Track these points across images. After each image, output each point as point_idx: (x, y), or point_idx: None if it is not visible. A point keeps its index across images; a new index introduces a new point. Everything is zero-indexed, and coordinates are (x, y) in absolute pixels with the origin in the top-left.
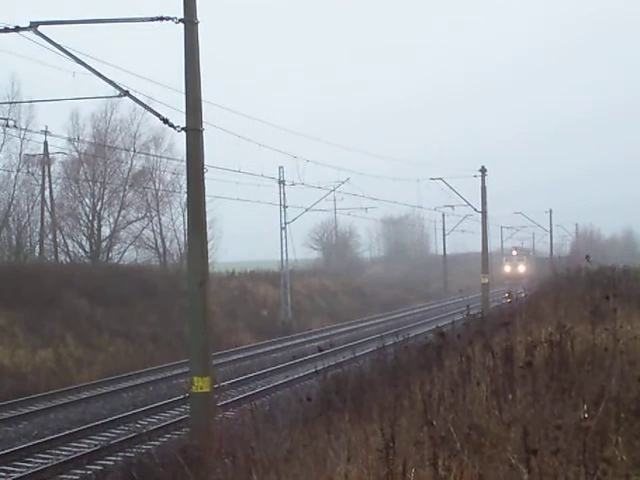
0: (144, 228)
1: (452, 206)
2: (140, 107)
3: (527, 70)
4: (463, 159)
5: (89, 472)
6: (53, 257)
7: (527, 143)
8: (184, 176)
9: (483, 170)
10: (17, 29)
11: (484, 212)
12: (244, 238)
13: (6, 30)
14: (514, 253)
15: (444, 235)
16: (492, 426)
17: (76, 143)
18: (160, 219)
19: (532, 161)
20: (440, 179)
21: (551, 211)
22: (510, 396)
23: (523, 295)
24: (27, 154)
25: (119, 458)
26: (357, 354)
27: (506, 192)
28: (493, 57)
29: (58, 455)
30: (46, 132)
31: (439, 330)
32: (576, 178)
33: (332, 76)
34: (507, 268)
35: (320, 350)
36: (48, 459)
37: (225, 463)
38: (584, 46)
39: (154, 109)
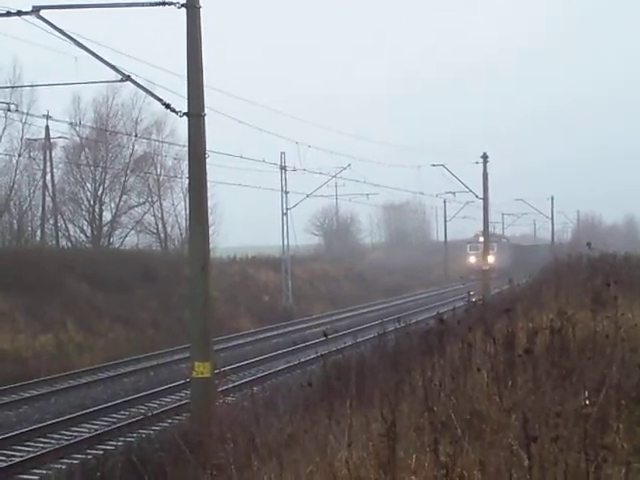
0: (145, 213)
1: (453, 193)
2: (142, 92)
3: (527, 55)
4: (464, 145)
5: (89, 457)
6: (54, 242)
7: (528, 129)
8: (186, 161)
9: (485, 157)
10: (19, 13)
11: (485, 199)
12: (245, 224)
13: (8, 14)
14: (481, 240)
15: (445, 222)
16: (493, 412)
17: (78, 128)
18: (161, 204)
19: (534, 147)
20: (442, 165)
21: (552, 198)
22: (511, 383)
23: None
24: (29, 138)
25: (120, 443)
26: (358, 340)
27: (508, 179)
28: (494, 42)
29: (59, 439)
30: (48, 116)
31: (440, 316)
32: (578, 165)
33: (335, 62)
34: (472, 259)
35: (325, 336)
36: (49, 443)
37: (226, 448)
38: (585, 32)
39: (156, 94)
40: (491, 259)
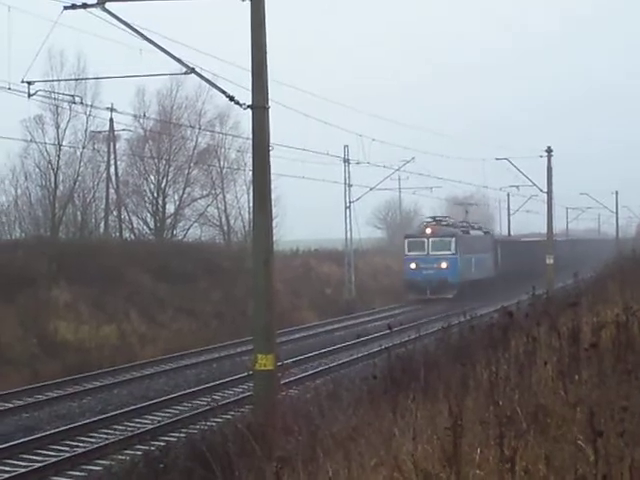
0: (208, 205)
1: (517, 186)
2: (205, 84)
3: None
4: (528, 135)
5: (152, 448)
6: (118, 234)
7: (587, 116)
8: (249, 154)
9: (549, 150)
10: (84, 6)
11: (549, 192)
12: (308, 216)
13: (74, 7)
14: (428, 232)
15: (509, 215)
16: (558, 407)
17: (141, 120)
18: (225, 197)
19: (596, 136)
20: (505, 159)
21: (617, 192)
22: (576, 377)
23: None
24: (93, 131)
25: (182, 434)
26: (422, 333)
27: (573, 171)
28: (539, 24)
29: (122, 431)
30: (112, 109)
31: (506, 310)
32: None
33: (400, 49)
34: (413, 265)
35: (390, 329)
36: (112, 434)
37: (290, 440)
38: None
39: (220, 86)
40: (444, 265)
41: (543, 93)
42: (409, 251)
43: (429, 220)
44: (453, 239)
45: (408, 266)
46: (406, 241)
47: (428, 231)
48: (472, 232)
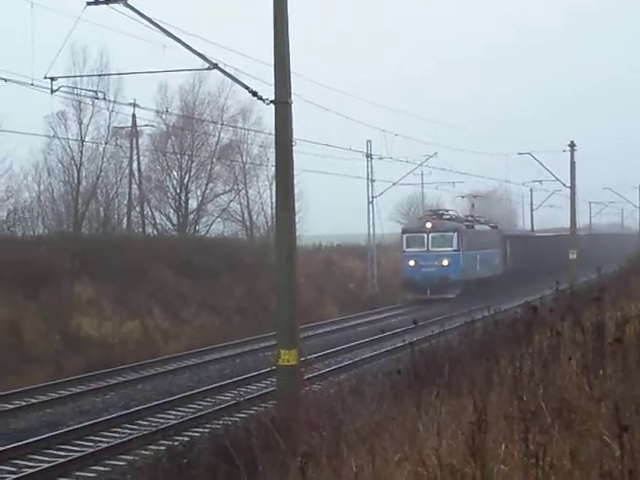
0: (231, 201)
1: (540, 181)
2: (228, 80)
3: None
4: (536, 130)
5: (176, 443)
6: (140, 229)
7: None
8: (271, 149)
9: (572, 145)
10: (107, 1)
11: (573, 187)
12: (331, 211)
13: (96, 3)
14: (428, 226)
15: (532, 210)
16: (582, 402)
17: (164, 116)
18: (247, 192)
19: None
20: (528, 154)
21: None
22: (600, 372)
23: None
24: (115, 126)
25: (206, 429)
26: (445, 328)
27: (597, 166)
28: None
29: (146, 426)
30: (134, 105)
31: (530, 305)
32: None
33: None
34: (411, 262)
35: (414, 323)
36: (135, 430)
37: (314, 435)
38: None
39: (243, 82)
40: (446, 263)
41: (546, 88)
42: (408, 247)
43: (429, 213)
44: (455, 234)
45: (406, 263)
46: (404, 236)
47: (428, 225)
48: (477, 226)
